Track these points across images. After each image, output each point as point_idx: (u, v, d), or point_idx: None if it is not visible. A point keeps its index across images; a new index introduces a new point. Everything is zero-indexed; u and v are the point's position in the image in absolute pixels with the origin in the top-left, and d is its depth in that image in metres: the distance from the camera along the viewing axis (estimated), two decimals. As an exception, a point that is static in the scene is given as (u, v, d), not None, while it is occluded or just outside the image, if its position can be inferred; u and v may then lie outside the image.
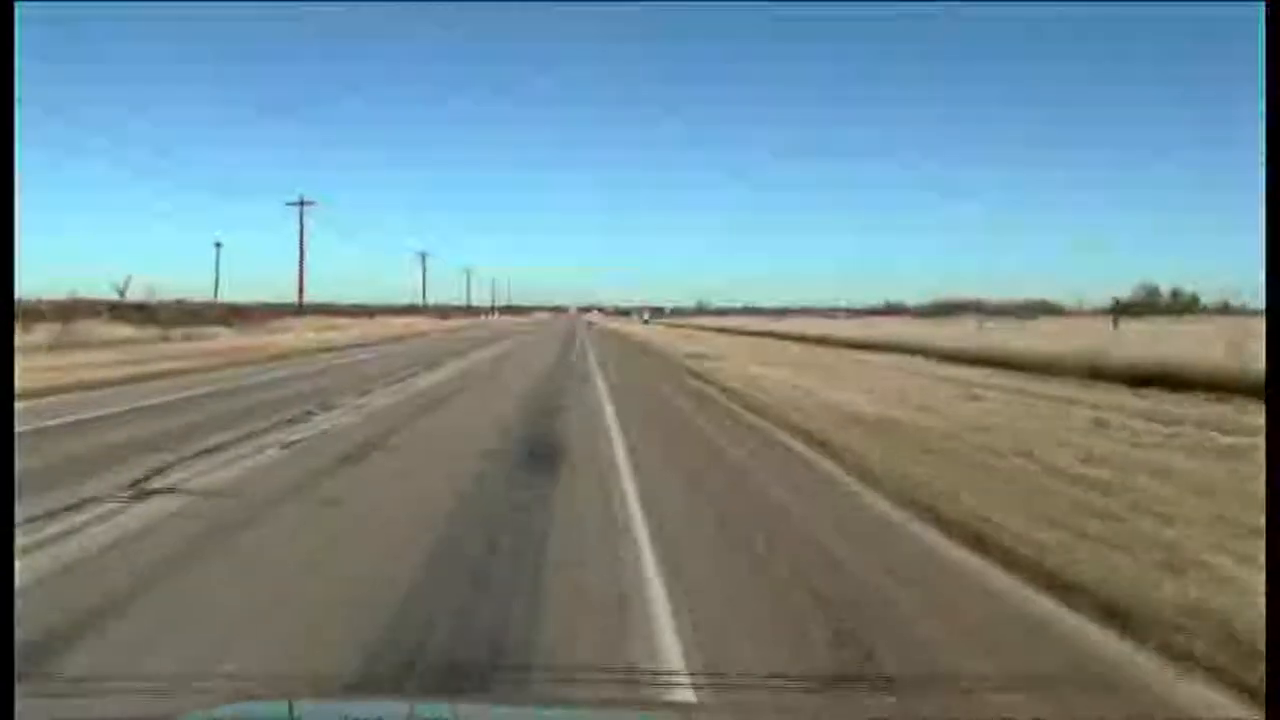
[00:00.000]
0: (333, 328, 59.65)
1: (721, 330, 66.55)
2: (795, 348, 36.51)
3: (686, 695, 3.58)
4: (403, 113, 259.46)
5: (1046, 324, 61.13)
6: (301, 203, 62.35)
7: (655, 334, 58.71)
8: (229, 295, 67.06)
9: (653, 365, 26.94)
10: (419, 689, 3.65)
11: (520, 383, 19.60)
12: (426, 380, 19.72)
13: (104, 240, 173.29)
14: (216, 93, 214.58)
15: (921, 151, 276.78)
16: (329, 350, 33.54)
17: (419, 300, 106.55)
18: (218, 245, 71.19)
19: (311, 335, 44.56)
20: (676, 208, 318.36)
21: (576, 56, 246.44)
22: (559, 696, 3.55)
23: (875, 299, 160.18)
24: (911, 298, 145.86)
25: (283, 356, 28.93)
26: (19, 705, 2.10)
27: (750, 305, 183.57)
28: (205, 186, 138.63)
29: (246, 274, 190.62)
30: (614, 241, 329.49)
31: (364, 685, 3.67)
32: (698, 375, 21.23)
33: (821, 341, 41.34)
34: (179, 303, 49.60)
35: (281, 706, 2.33)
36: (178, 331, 41.32)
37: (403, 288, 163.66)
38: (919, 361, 25.45)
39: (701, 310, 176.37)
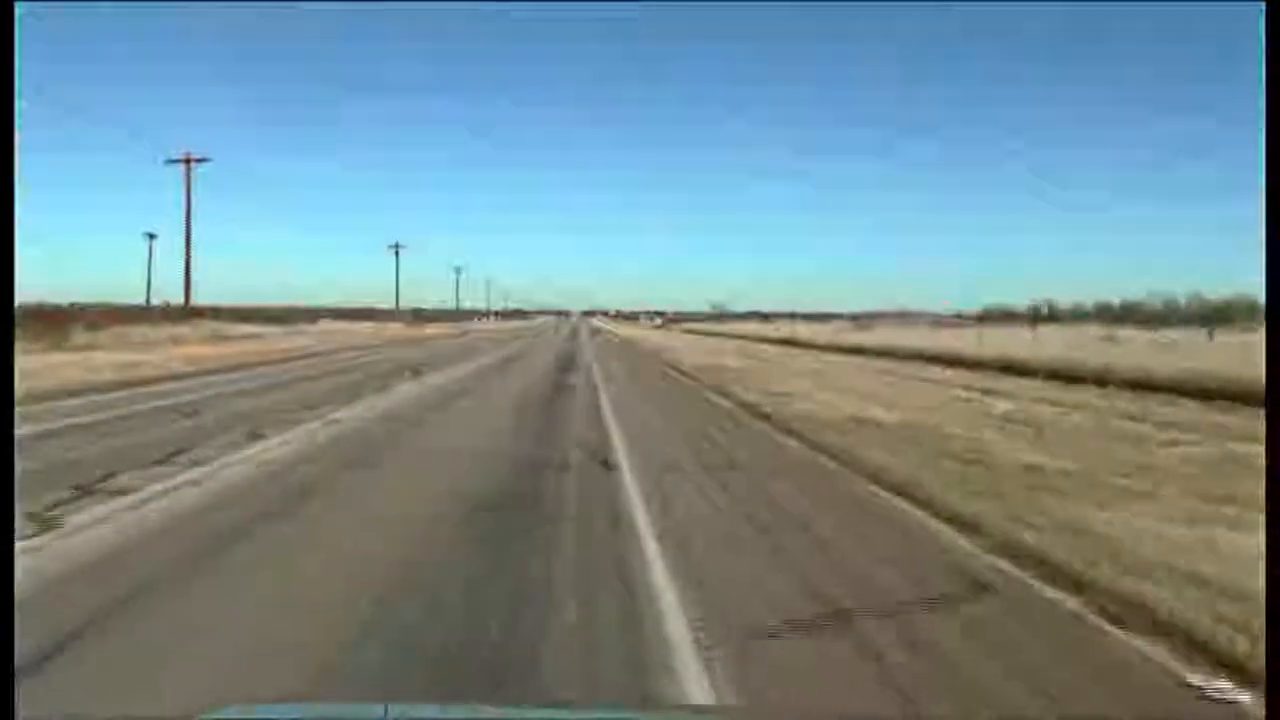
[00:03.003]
0: (221, 338, 40.85)
1: (784, 342, 47.59)
2: (1094, 400, 16.85)
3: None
4: (401, 109, 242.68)
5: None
6: (188, 160, 43.45)
7: (700, 351, 39.69)
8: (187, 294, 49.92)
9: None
10: None
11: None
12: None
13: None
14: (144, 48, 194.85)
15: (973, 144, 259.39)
16: (74, 396, 15.01)
17: (415, 302, 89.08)
18: (150, 237, 53.59)
19: (118, 358, 25.84)
20: (690, 207, 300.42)
21: (586, 54, 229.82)
22: (560, 697, 3.53)
23: (879, 303, 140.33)
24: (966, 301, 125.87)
25: None
26: (19, 706, 2.24)
27: (759, 309, 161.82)
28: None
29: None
30: (621, 243, 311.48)
31: None
32: None
33: (1030, 372, 22.44)
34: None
35: (282, 708, 2.14)
36: None
37: (391, 288, 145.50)
38: None
39: (722, 315, 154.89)
